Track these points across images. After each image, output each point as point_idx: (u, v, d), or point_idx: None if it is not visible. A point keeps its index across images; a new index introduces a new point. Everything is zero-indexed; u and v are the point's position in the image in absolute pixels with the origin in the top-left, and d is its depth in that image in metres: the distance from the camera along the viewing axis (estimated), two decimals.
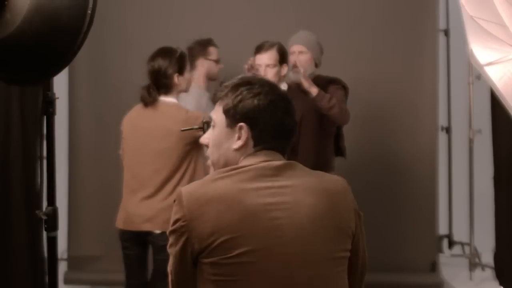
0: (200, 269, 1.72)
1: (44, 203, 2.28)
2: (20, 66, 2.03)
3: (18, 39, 1.93)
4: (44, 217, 2.13)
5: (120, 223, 3.67)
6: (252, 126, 1.80)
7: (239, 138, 1.81)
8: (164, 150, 3.52)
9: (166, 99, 3.60)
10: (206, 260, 1.69)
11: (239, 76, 1.88)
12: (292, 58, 3.89)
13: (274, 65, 3.77)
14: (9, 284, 4.29)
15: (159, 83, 3.58)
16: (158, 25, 4.92)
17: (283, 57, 3.82)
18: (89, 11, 1.97)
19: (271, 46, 3.80)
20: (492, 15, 2.58)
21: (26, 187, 4.37)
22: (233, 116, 1.81)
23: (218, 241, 1.67)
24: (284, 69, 3.83)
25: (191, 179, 3.53)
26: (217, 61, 4.34)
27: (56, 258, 2.20)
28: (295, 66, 3.84)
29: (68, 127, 5.03)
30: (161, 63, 3.57)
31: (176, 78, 3.59)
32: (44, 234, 2.28)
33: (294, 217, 1.71)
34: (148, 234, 3.55)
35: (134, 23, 4.98)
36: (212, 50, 4.37)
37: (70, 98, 5.01)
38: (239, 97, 1.81)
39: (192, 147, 3.54)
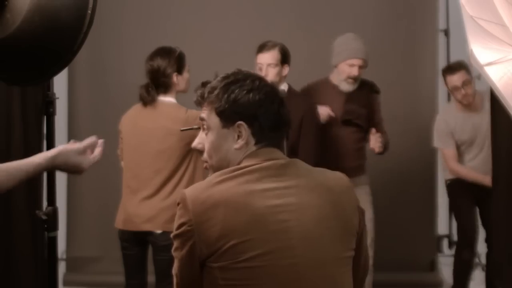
0: (208, 273, 1.70)
1: (44, 203, 2.27)
2: (20, 66, 2.03)
3: (18, 39, 1.93)
4: (44, 217, 2.13)
5: (119, 223, 3.67)
6: (251, 122, 1.76)
7: (239, 137, 1.77)
8: (165, 150, 3.52)
9: (165, 99, 3.60)
10: (214, 265, 1.67)
11: (222, 75, 1.83)
12: (349, 70, 4.06)
13: (276, 65, 3.77)
14: (11, 284, 4.29)
15: (158, 83, 3.59)
16: (157, 25, 4.92)
17: (284, 58, 3.82)
18: (89, 11, 1.96)
19: (273, 46, 3.80)
20: (492, 15, 2.57)
21: (27, 187, 4.37)
22: (229, 116, 1.77)
23: (227, 245, 1.65)
24: (285, 70, 3.83)
25: (191, 179, 3.53)
26: None
27: (56, 259, 2.20)
28: (351, 78, 4.08)
29: (68, 127, 5.03)
30: (160, 62, 3.58)
31: (175, 78, 3.59)
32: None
33: (301, 219, 1.70)
34: (149, 234, 3.55)
35: (134, 23, 4.98)
36: None
37: (70, 98, 5.01)
38: (232, 96, 1.76)
39: (191, 148, 3.54)
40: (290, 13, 4.89)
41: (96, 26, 2.07)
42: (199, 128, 1.95)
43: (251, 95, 1.76)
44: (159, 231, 3.51)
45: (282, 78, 3.82)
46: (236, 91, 1.77)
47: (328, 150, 4.03)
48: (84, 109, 5.02)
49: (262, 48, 3.81)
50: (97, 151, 2.07)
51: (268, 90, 1.79)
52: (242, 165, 1.75)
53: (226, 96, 1.77)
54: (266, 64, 3.76)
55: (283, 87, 3.80)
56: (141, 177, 3.59)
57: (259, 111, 1.76)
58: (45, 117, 2.21)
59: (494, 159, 4.71)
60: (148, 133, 3.57)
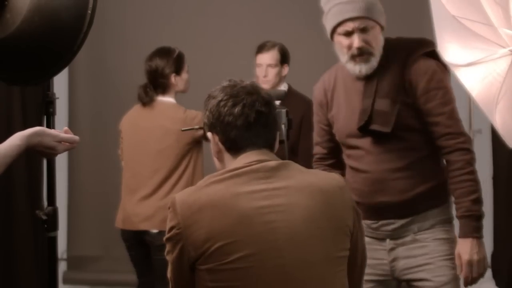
0: (198, 275, 1.72)
1: (44, 203, 2.28)
2: (20, 66, 2.03)
3: (18, 39, 1.93)
4: (44, 217, 2.13)
5: (119, 223, 3.69)
6: (215, 132, 1.81)
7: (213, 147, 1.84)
8: (163, 149, 3.54)
9: (164, 99, 3.62)
10: (202, 267, 1.69)
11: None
12: (346, 42, 2.52)
13: (275, 65, 3.78)
14: (12, 284, 4.30)
15: (156, 83, 3.60)
16: (158, 25, 4.92)
17: (284, 57, 3.82)
18: (89, 11, 1.97)
19: (272, 46, 3.80)
20: (478, 15, 2.52)
21: (27, 187, 4.38)
22: (206, 130, 1.85)
23: (213, 247, 1.66)
24: (285, 70, 3.83)
25: (190, 179, 3.54)
26: None
27: (56, 258, 2.20)
28: (354, 54, 2.50)
29: (68, 127, 5.01)
30: (158, 63, 3.60)
31: (173, 78, 3.61)
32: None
33: (288, 220, 1.70)
34: (146, 233, 3.56)
35: (134, 23, 4.98)
36: None
37: (70, 98, 5.01)
38: (205, 110, 1.85)
39: (192, 147, 3.56)
40: (290, 13, 4.88)
41: (96, 26, 2.07)
42: (200, 128, 1.98)
43: (209, 106, 1.82)
44: (155, 230, 3.52)
45: (282, 78, 3.83)
46: (208, 105, 1.84)
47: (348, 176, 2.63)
48: (84, 109, 5.02)
49: (261, 48, 3.81)
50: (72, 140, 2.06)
51: (222, 97, 1.80)
52: (231, 167, 1.77)
53: (204, 111, 1.85)
54: (266, 64, 3.76)
55: (283, 87, 3.80)
56: (140, 177, 3.60)
57: (216, 119, 1.80)
58: (45, 117, 2.21)
59: (494, 159, 4.72)
60: (147, 133, 3.58)
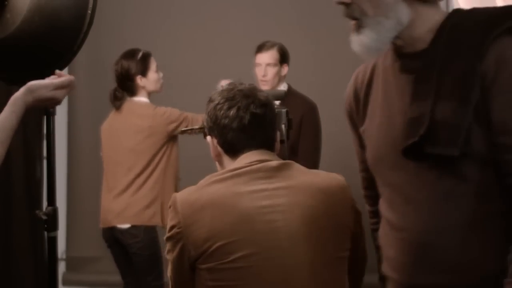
0: (198, 274, 1.72)
1: (44, 203, 2.28)
2: (20, 66, 2.03)
3: (18, 39, 1.93)
4: (44, 217, 2.13)
5: (100, 222, 3.73)
6: (214, 135, 1.83)
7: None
8: (136, 146, 3.59)
9: (135, 99, 3.68)
10: (203, 266, 1.69)
11: None
12: None
13: (275, 65, 3.77)
14: (11, 284, 4.29)
15: (125, 86, 3.66)
16: (158, 25, 4.92)
17: (283, 57, 3.82)
18: (89, 11, 1.97)
19: (272, 45, 3.80)
20: None
21: (27, 187, 4.37)
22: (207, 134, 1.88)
23: (214, 246, 1.66)
24: (285, 69, 3.83)
25: (162, 174, 3.58)
26: None
27: (56, 259, 2.20)
28: None
29: (68, 127, 5.03)
30: (124, 65, 3.64)
31: (139, 80, 3.64)
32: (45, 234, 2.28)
33: (289, 219, 1.70)
34: (117, 229, 3.60)
35: (134, 24, 4.98)
36: None
37: (70, 98, 5.00)
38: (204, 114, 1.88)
39: (164, 143, 3.60)
40: (290, 13, 4.88)
41: (96, 26, 2.07)
42: (201, 129, 1.99)
43: (209, 106, 1.84)
44: (124, 226, 3.56)
45: (281, 78, 3.82)
46: (207, 109, 1.86)
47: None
48: (84, 109, 5.02)
49: (260, 48, 3.81)
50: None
51: (219, 100, 1.82)
52: (232, 167, 1.78)
53: (204, 114, 1.88)
54: (265, 64, 3.76)
55: (283, 87, 3.80)
56: (116, 175, 3.66)
57: (213, 123, 1.82)
58: (45, 117, 2.21)
59: None
60: (120, 133, 3.65)
